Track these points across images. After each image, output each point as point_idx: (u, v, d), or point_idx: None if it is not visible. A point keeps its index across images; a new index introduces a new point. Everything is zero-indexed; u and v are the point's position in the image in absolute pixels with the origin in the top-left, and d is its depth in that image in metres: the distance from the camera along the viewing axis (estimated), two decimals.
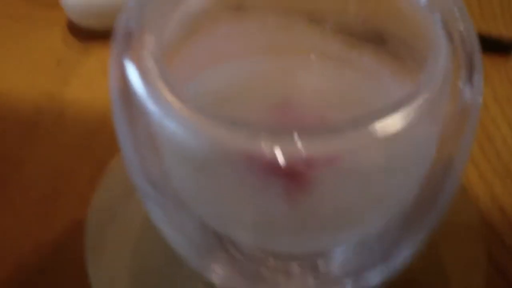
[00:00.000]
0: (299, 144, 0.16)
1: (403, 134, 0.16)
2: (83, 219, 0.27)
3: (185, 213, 0.20)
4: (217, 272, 0.21)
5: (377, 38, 0.23)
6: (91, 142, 0.33)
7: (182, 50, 0.21)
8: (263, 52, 0.23)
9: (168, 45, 0.20)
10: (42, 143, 0.33)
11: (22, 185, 0.30)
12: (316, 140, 0.16)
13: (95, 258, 0.25)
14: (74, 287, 0.26)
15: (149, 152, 0.19)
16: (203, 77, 0.22)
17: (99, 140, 0.33)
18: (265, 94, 0.23)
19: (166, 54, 0.20)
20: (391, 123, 0.16)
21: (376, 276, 0.21)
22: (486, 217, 0.33)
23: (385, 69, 0.23)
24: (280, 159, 0.16)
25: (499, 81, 0.39)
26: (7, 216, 0.29)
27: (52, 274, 0.27)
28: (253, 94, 0.23)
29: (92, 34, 0.39)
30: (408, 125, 0.16)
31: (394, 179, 0.18)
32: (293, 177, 0.17)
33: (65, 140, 0.33)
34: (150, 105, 0.17)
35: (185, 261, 0.21)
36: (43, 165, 0.32)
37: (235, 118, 0.16)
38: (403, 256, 0.21)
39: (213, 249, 0.22)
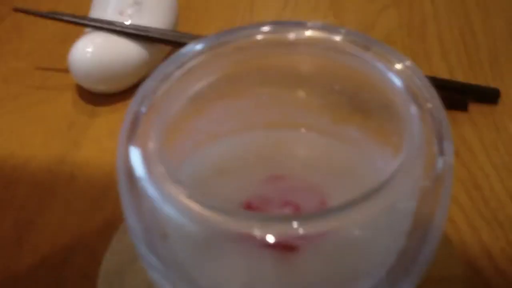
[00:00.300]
0: (294, 225, 0.18)
1: (386, 212, 0.19)
2: (94, 273, 0.29)
3: (187, 283, 0.22)
4: None
5: (362, 113, 0.25)
6: (101, 202, 0.35)
7: (184, 128, 0.24)
8: (258, 127, 0.25)
9: (172, 124, 0.22)
10: (55, 206, 0.35)
11: (37, 249, 0.33)
12: (308, 222, 0.18)
13: None
14: None
15: (153, 225, 0.21)
16: (204, 151, 0.25)
17: (109, 198, 0.35)
18: (260, 167, 0.25)
19: (170, 132, 0.22)
20: (373, 205, 0.18)
21: None
22: (473, 263, 0.35)
23: (369, 138, 0.25)
24: (275, 239, 0.18)
25: (487, 129, 0.41)
26: (23, 279, 0.31)
27: None
28: (250, 167, 0.25)
29: (99, 97, 0.42)
30: (390, 204, 0.18)
31: (378, 247, 0.20)
32: (284, 247, 0.20)
33: (77, 204, 0.35)
34: (155, 197, 0.19)
35: None
36: (56, 228, 0.34)
37: (232, 202, 0.19)
38: None
39: None
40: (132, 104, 0.22)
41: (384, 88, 0.23)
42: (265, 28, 0.24)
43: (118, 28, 0.42)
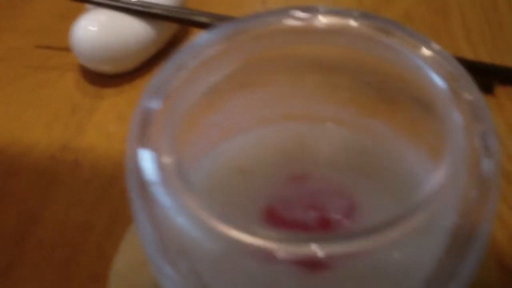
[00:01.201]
0: (319, 248, 0.16)
1: (425, 231, 0.17)
2: (103, 273, 0.27)
3: None
4: None
5: (391, 106, 0.23)
6: (108, 192, 0.33)
7: (199, 123, 0.22)
8: (278, 120, 0.23)
9: (187, 120, 0.20)
10: (59, 197, 0.33)
11: (41, 245, 0.31)
12: (335, 244, 0.16)
13: None
14: None
15: (167, 235, 0.19)
16: (221, 148, 0.23)
17: (116, 188, 0.33)
18: (282, 165, 0.23)
19: (185, 129, 0.20)
20: (412, 224, 0.16)
21: None
22: (503, 259, 0.33)
23: (399, 136, 0.23)
24: (297, 258, 0.16)
25: None
26: (27, 278, 0.29)
27: None
28: (271, 166, 0.23)
29: (104, 78, 0.40)
30: (431, 223, 0.16)
31: (412, 267, 0.18)
32: (310, 264, 0.18)
33: (82, 194, 0.33)
34: (168, 206, 0.17)
35: None
36: (61, 221, 0.32)
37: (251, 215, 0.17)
38: None
39: None
40: (143, 99, 0.20)
41: (415, 79, 0.21)
42: (282, 15, 0.21)
43: (123, 5, 0.39)
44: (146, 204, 0.19)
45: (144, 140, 0.19)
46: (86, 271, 0.29)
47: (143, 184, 0.19)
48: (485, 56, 0.42)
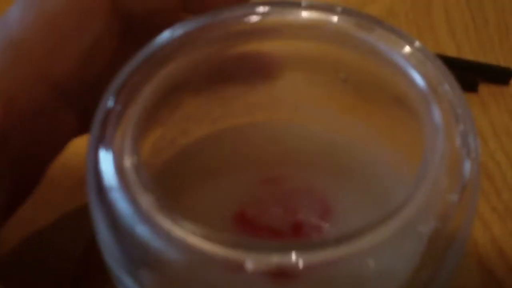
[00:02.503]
0: (293, 257, 0.15)
1: (402, 236, 0.16)
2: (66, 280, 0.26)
3: None
4: None
5: (369, 105, 0.22)
6: (78, 195, 0.32)
7: (163, 122, 0.21)
8: (250, 119, 0.22)
9: (149, 120, 0.19)
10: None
11: (7, 247, 0.29)
12: (310, 253, 0.15)
13: None
14: None
15: (130, 245, 0.18)
16: (188, 150, 0.21)
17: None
18: (254, 166, 0.22)
19: (148, 129, 0.19)
20: (389, 230, 0.15)
21: None
22: (484, 261, 0.32)
23: (377, 135, 0.22)
24: (267, 269, 0.15)
25: (497, 113, 0.38)
26: None
27: None
28: (242, 167, 0.22)
29: None
30: (409, 229, 0.15)
31: (388, 273, 0.17)
32: (281, 275, 0.17)
33: (50, 195, 0.32)
34: (129, 214, 0.16)
35: None
36: (28, 222, 0.30)
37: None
38: None
39: None
40: (104, 98, 0.19)
41: (394, 77, 0.20)
42: (257, 9, 0.20)
43: None
44: (105, 210, 0.18)
45: (104, 142, 0.18)
46: (52, 275, 0.28)
47: (102, 189, 0.17)
48: (469, 53, 0.41)
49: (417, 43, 0.20)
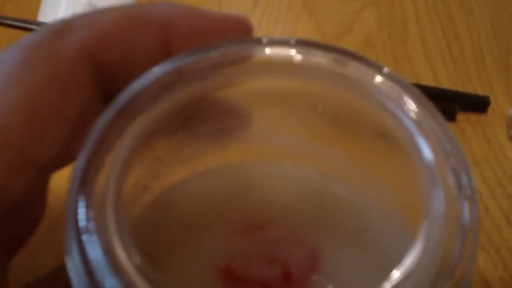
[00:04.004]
0: None
1: None
2: None
3: None
4: None
5: (349, 137, 0.21)
6: (53, 236, 0.31)
7: (137, 169, 0.20)
8: (225, 162, 0.21)
9: (125, 166, 0.18)
10: None
11: None
12: None
13: None
14: None
15: None
16: (163, 199, 0.20)
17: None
18: (235, 215, 0.21)
19: (124, 177, 0.18)
20: None
21: None
22: None
23: (359, 170, 0.21)
24: None
25: (476, 141, 0.38)
26: None
27: None
28: (222, 217, 0.21)
29: None
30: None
31: None
32: None
33: None
34: (103, 270, 0.15)
35: None
36: None
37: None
38: None
39: None
40: (84, 148, 0.18)
41: (373, 110, 0.19)
42: (224, 49, 0.19)
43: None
44: (80, 256, 0.17)
45: (84, 186, 0.17)
46: None
47: (79, 234, 0.17)
48: (447, 82, 0.41)
49: (393, 73, 0.19)
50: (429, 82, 0.41)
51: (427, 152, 0.17)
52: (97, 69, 0.19)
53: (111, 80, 0.19)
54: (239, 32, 0.20)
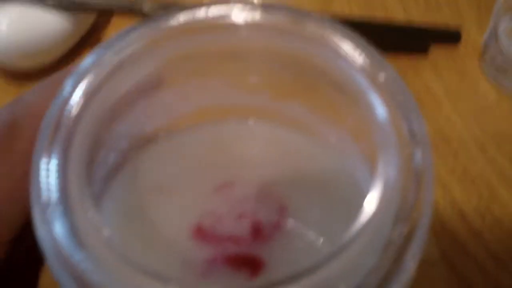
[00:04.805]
0: None
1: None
2: None
3: None
4: None
5: (307, 90, 0.22)
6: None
7: (107, 135, 0.20)
8: (192, 123, 0.22)
9: (96, 131, 0.18)
10: None
11: None
12: None
13: None
14: None
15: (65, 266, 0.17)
16: (135, 163, 0.21)
17: None
18: (205, 175, 0.21)
19: (96, 141, 0.18)
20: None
21: None
22: (446, 224, 0.32)
23: (319, 120, 0.22)
24: None
25: (448, 73, 0.38)
26: None
27: None
28: (193, 178, 0.21)
29: (25, 75, 0.38)
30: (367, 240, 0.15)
31: None
32: None
33: None
34: (69, 247, 0.15)
35: None
36: None
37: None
38: None
39: None
40: (52, 106, 0.18)
41: (328, 66, 0.19)
42: (197, 12, 0.19)
43: None
44: (46, 229, 0.17)
45: (50, 151, 0.17)
46: None
47: (44, 208, 0.17)
48: (417, 16, 0.41)
49: (348, 32, 0.19)
50: (400, 16, 0.40)
51: (379, 105, 0.18)
52: None
53: None
54: None
